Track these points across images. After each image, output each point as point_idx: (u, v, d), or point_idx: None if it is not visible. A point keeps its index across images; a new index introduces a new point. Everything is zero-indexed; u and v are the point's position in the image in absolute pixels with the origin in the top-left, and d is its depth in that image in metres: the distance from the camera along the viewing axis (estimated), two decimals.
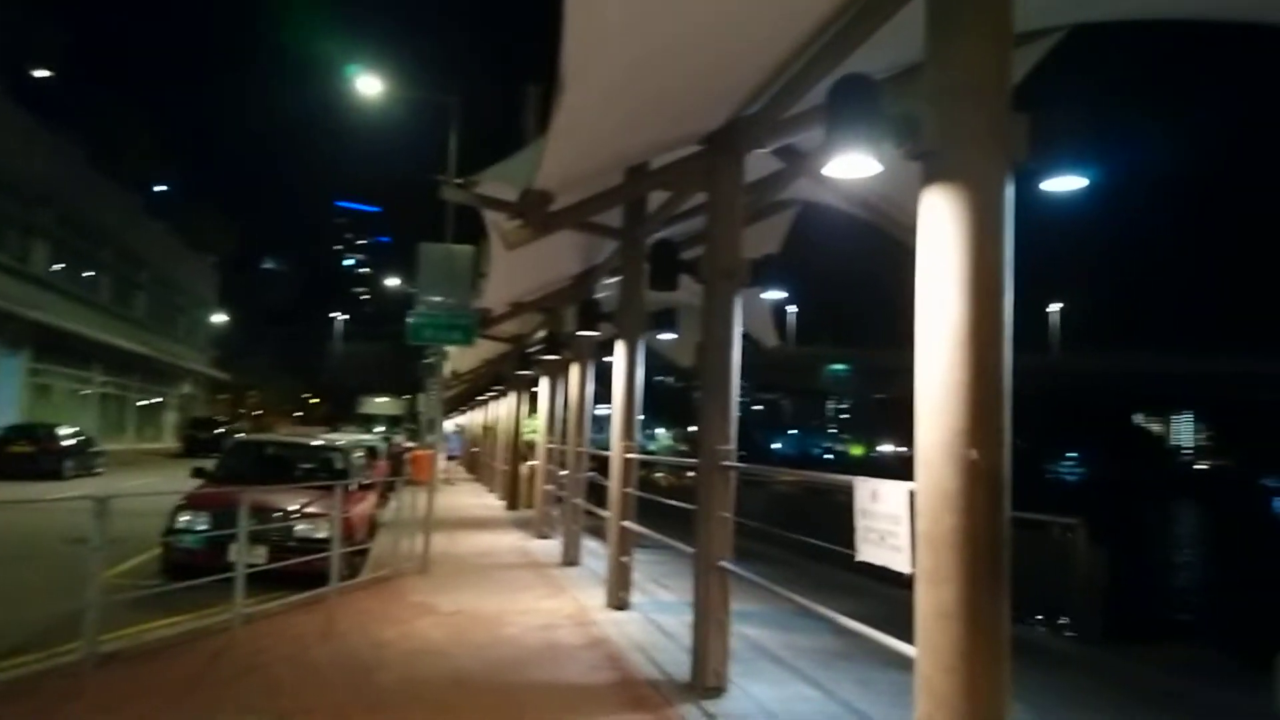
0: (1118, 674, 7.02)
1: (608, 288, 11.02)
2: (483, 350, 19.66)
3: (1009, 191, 3.00)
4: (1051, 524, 8.72)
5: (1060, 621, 8.31)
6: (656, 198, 8.02)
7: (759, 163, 6.37)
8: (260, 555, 8.41)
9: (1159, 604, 21.00)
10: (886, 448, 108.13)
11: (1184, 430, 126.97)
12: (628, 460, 8.42)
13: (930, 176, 3.05)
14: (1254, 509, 56.79)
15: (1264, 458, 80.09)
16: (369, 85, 19.42)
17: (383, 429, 47.68)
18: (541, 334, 14.16)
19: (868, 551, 3.66)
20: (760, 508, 14.18)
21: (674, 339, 10.07)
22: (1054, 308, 73.27)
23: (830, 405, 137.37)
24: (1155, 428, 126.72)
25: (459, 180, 7.92)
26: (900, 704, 5.40)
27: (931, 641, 2.94)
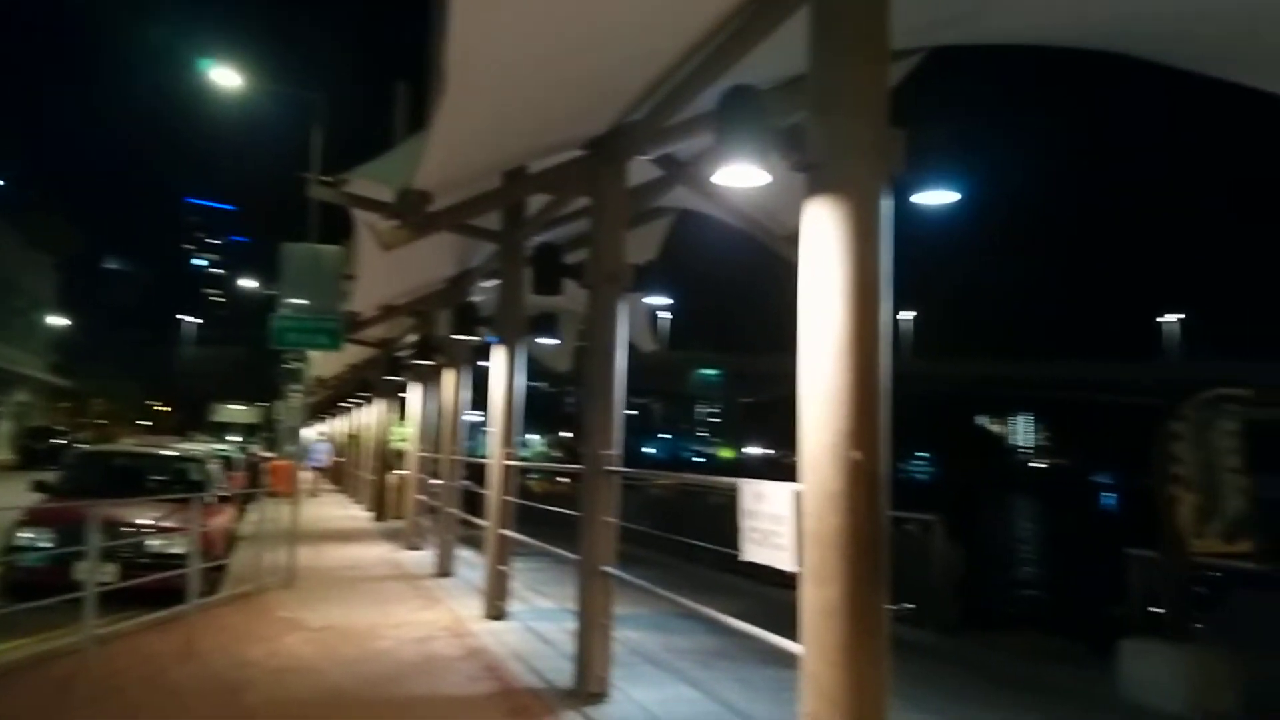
0: (976, 662, 7.41)
1: (485, 291, 10.87)
2: (349, 355, 19.02)
3: (888, 203, 3.13)
4: (910, 521, 9.14)
5: (915, 612, 8.70)
6: (538, 201, 7.97)
7: (639, 169, 6.43)
8: (110, 573, 7.85)
9: (1008, 594, 22.34)
10: (754, 450, 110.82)
11: (1023, 431, 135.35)
12: (507, 467, 8.32)
13: (814, 188, 3.15)
14: (1085, 504, 61.25)
15: (1096, 456, 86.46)
16: (225, 78, 18.48)
17: (239, 438, 45.51)
18: (414, 338, 13.81)
19: (752, 551, 3.73)
20: (636, 511, 14.26)
21: (550, 344, 10.03)
22: (905, 315, 76.95)
23: (701, 409, 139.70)
24: (997, 429, 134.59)
25: (327, 179, 7.64)
26: (779, 700, 5.55)
27: (818, 638, 3.02)
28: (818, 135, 3.17)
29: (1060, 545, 36.04)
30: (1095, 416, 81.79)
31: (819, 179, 3.15)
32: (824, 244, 3.11)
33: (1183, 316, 75.90)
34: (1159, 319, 76.95)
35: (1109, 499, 62.24)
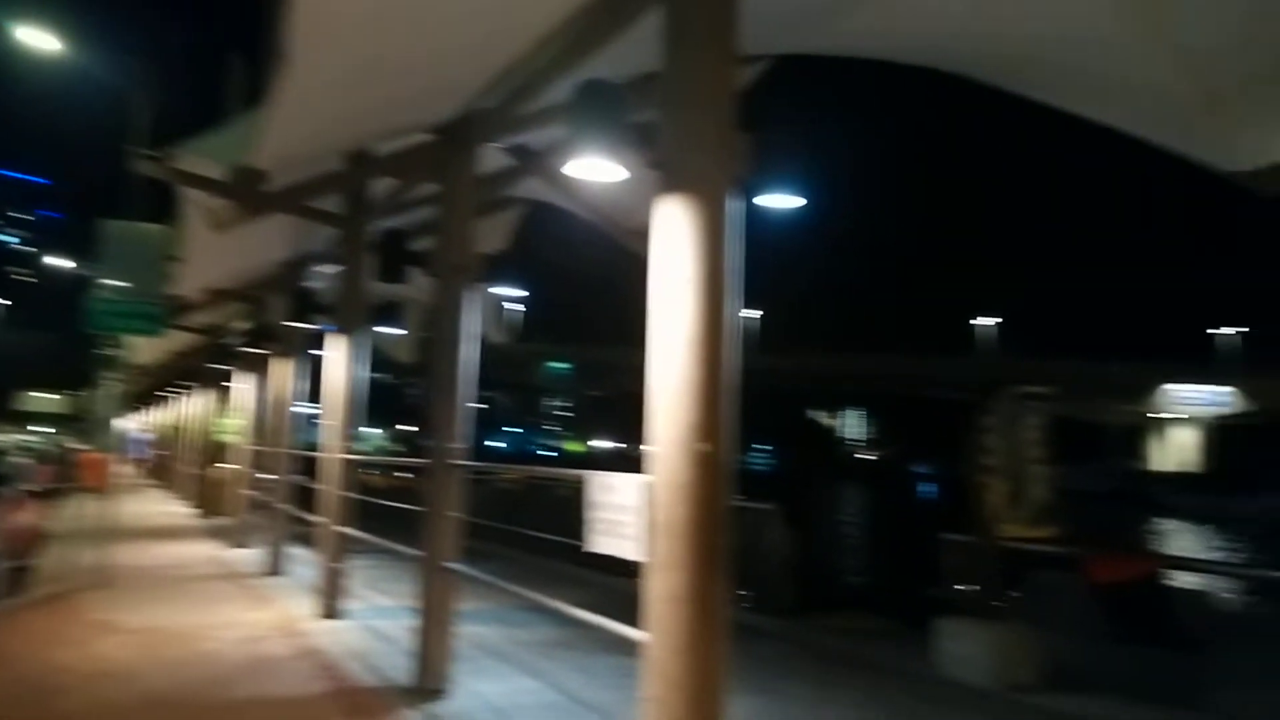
0: (808, 643, 7.76)
1: (324, 277, 10.45)
2: (174, 342, 17.85)
3: (736, 203, 3.23)
4: (750, 510, 9.47)
5: (754, 597, 9.03)
6: (384, 185, 7.74)
7: (491, 157, 6.35)
8: None
9: (839, 578, 23.48)
10: (604, 444, 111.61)
11: (854, 424, 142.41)
12: (345, 461, 8.04)
13: (665, 185, 3.21)
14: (909, 492, 65.17)
15: (919, 448, 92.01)
16: (38, 40, 16.90)
17: (48, 429, 41.97)
18: (246, 325, 13.12)
19: (598, 542, 3.77)
20: (483, 506, 14.12)
21: (393, 334, 9.76)
22: (752, 313, 79.41)
23: (551, 402, 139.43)
24: (830, 422, 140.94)
25: (152, 153, 7.16)
26: (620, 686, 5.64)
27: (664, 625, 3.10)
28: (669, 133, 3.23)
29: (886, 531, 38.14)
30: (919, 411, 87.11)
31: (670, 177, 3.22)
32: (673, 240, 3.18)
33: (1000, 320, 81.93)
34: (977, 320, 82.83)
35: (931, 488, 66.36)
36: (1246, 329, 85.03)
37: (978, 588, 6.44)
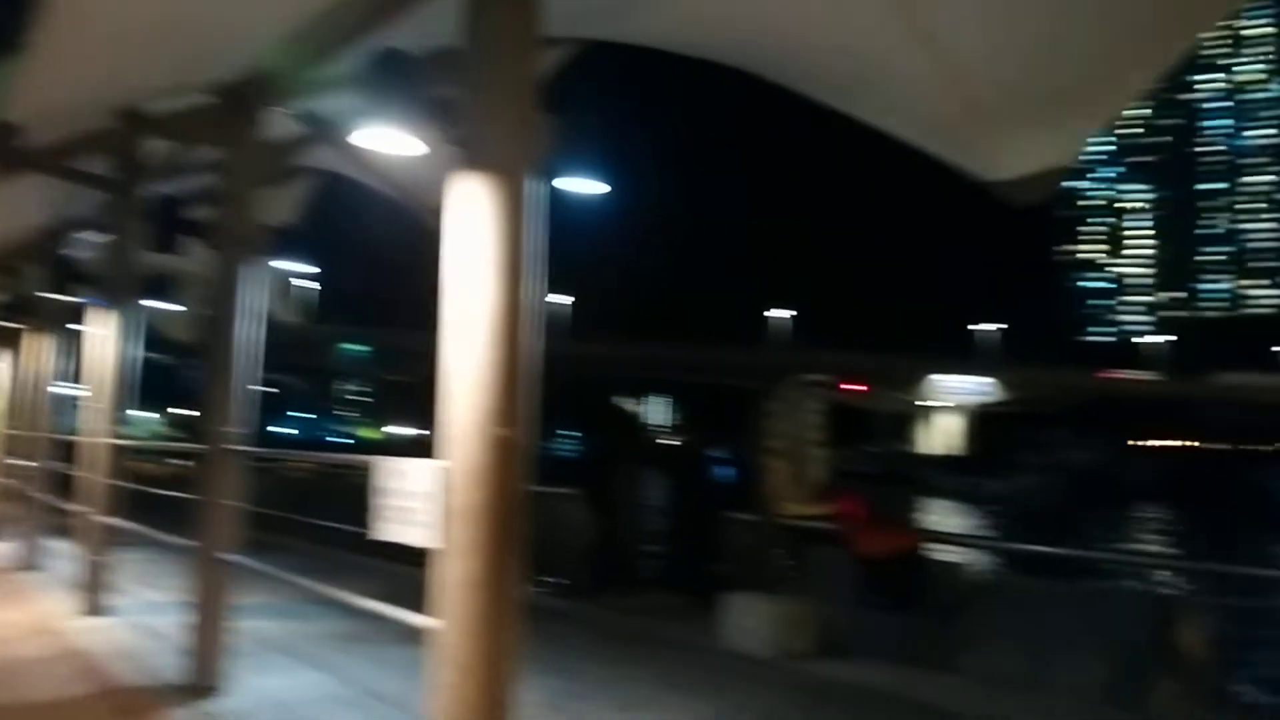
0: (604, 623, 7.92)
1: (91, 245, 9.53)
2: None
3: (539, 185, 3.23)
4: (552, 494, 9.53)
5: (554, 581, 9.12)
6: (160, 148, 7.14)
7: (280, 123, 6.00)
8: None
9: (639, 559, 24.07)
10: (404, 430, 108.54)
11: (657, 410, 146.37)
12: (111, 447, 7.39)
13: (466, 162, 3.16)
14: (705, 475, 67.85)
15: (716, 433, 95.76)
16: None
17: None
18: None
19: (387, 530, 3.67)
20: (270, 495, 13.41)
21: (171, 310, 9.06)
22: (562, 299, 79.71)
23: (347, 387, 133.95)
24: (635, 408, 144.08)
25: None
26: (415, 676, 5.51)
27: (457, 611, 3.07)
28: (469, 110, 3.18)
29: (685, 512, 39.48)
30: (717, 398, 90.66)
31: (469, 154, 3.17)
32: (472, 220, 3.14)
33: (793, 313, 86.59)
34: (771, 311, 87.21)
35: (728, 471, 69.24)
36: (1005, 325, 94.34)
37: (761, 563, 6.81)
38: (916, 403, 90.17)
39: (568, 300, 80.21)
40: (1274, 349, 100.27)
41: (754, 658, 6.44)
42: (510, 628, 3.09)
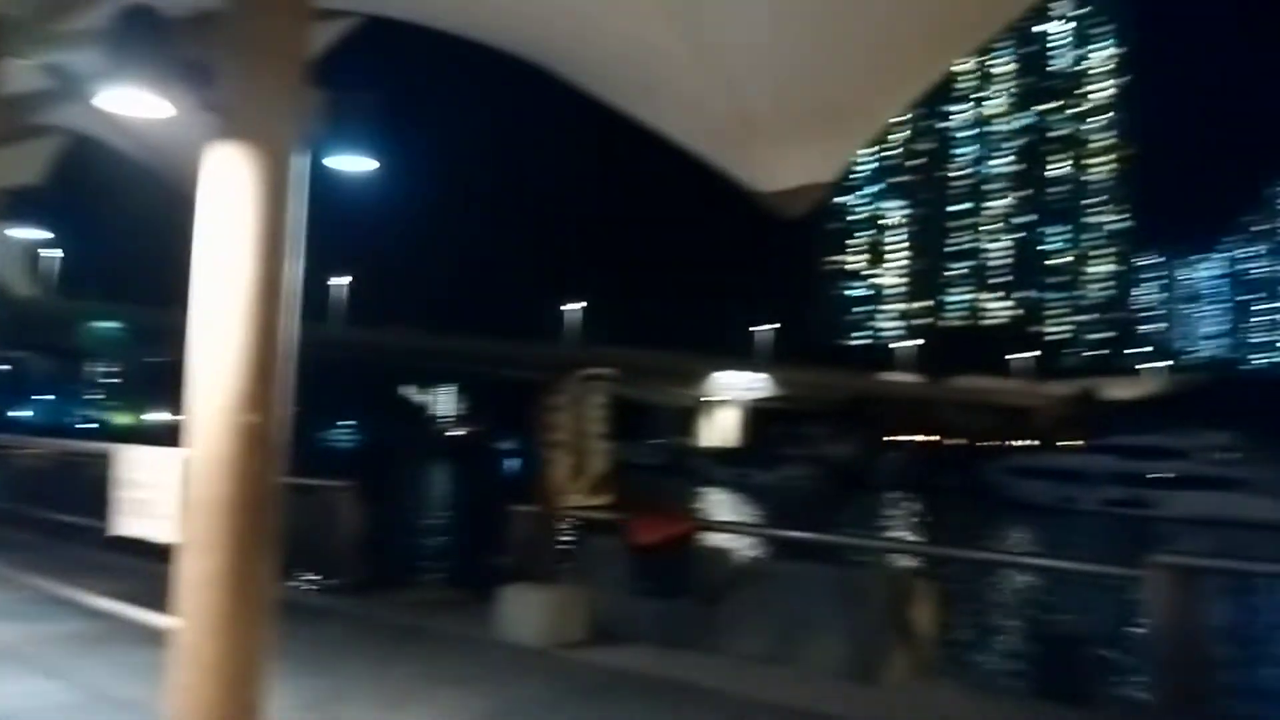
0: (372, 619, 7.68)
1: None
2: None
3: (304, 160, 3.09)
4: (320, 487, 9.13)
5: (324, 578, 8.74)
6: None
7: (20, 75, 5.38)
8: None
9: (419, 553, 23.56)
10: (160, 416, 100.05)
11: (445, 401, 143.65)
12: None
13: (224, 132, 2.98)
14: (492, 467, 67.42)
15: (505, 425, 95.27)
16: None
17: None
18: None
19: (125, 524, 3.41)
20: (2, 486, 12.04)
21: None
22: (339, 281, 76.09)
23: (98, 368, 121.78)
24: (422, 398, 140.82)
25: None
26: (157, 679, 5.14)
27: (199, 610, 2.89)
28: (229, 78, 3.00)
29: (469, 505, 39.06)
30: (507, 390, 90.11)
31: (228, 124, 2.99)
32: (228, 193, 2.96)
33: (584, 307, 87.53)
34: (564, 306, 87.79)
35: (514, 463, 69.01)
36: (779, 327, 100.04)
37: (539, 555, 6.87)
38: (697, 398, 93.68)
39: (345, 282, 76.59)
40: (1007, 356, 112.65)
41: (527, 648, 6.48)
42: (259, 626, 2.95)
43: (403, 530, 26.68)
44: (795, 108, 4.37)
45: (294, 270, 3.04)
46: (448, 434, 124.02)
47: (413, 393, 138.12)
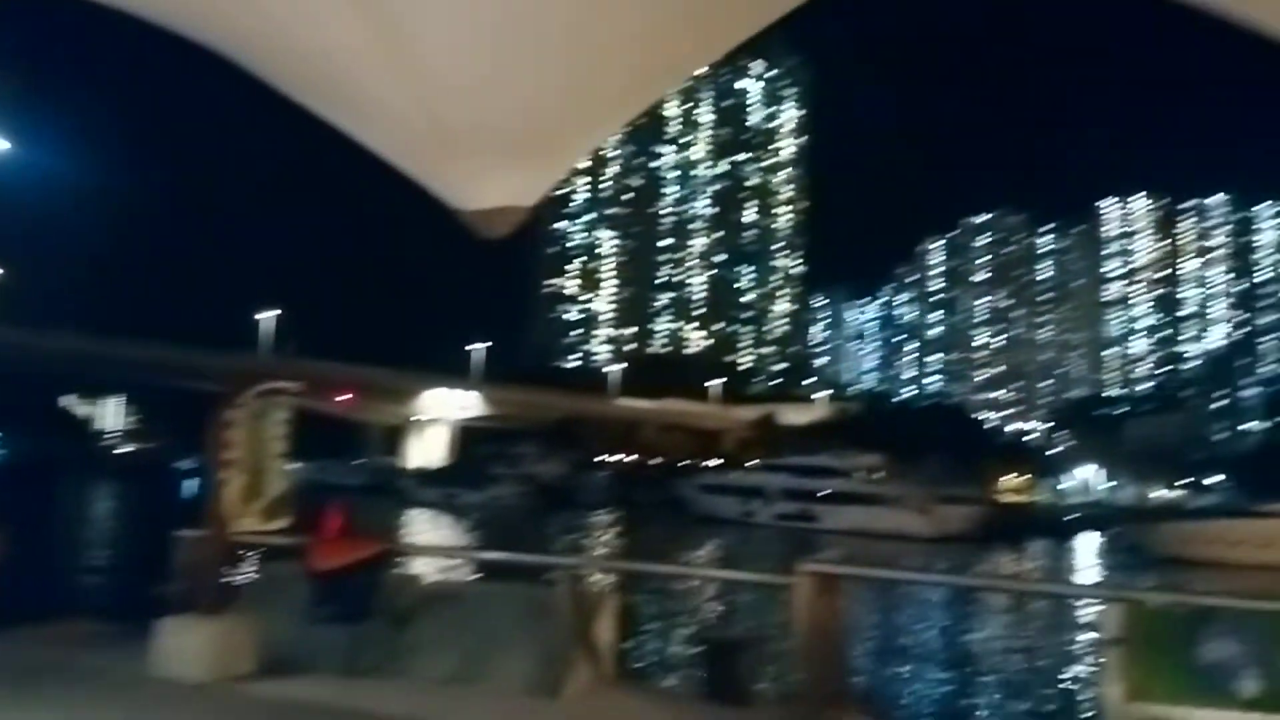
0: (8, 658, 6.69)
1: None
2: None
3: None
4: None
5: None
6: None
7: None
8: None
9: (68, 583, 20.80)
10: None
11: (119, 414, 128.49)
12: None
13: None
14: (167, 488, 61.21)
15: (186, 442, 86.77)
16: None
17: None
18: None
19: None
20: None
21: None
22: None
23: None
24: (89, 411, 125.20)
25: None
26: None
27: None
28: None
29: (135, 529, 35.26)
30: (190, 404, 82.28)
31: None
32: None
33: (279, 312, 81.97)
34: (258, 315, 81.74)
35: (192, 483, 63.05)
36: (494, 346, 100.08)
37: (205, 583, 6.32)
38: (406, 416, 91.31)
39: None
40: (704, 383, 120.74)
41: (189, 683, 5.93)
42: None
43: (49, 556, 23.50)
44: (495, 128, 4.38)
45: None
46: (116, 451, 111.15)
47: (75, 404, 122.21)
